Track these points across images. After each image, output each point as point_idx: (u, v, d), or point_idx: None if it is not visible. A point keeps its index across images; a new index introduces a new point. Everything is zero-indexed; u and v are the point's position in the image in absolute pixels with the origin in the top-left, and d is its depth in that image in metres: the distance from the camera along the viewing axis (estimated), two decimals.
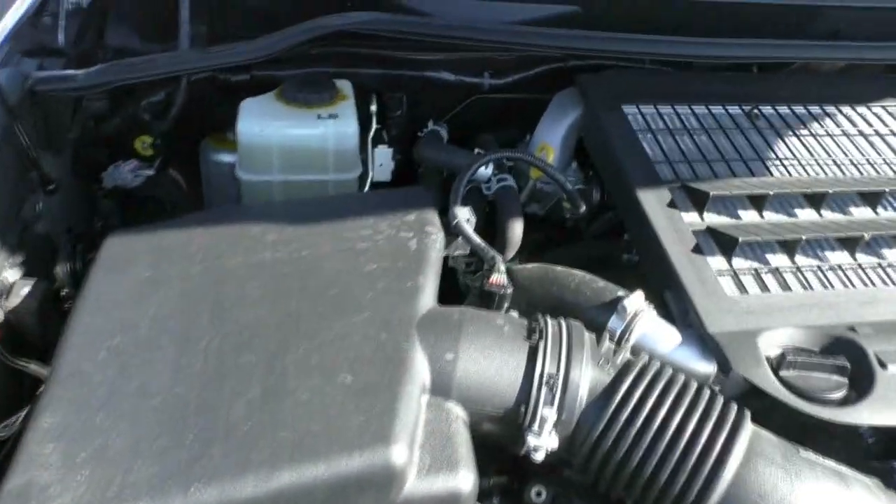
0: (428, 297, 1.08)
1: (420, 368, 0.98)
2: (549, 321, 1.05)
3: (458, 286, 1.44)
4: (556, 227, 1.66)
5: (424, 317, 1.05)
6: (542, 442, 0.97)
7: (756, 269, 1.21)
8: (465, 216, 1.25)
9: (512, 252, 1.41)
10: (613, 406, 0.97)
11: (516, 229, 1.38)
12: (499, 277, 1.14)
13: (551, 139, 1.53)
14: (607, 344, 1.05)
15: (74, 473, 0.87)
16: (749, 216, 1.32)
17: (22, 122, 1.36)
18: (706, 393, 0.99)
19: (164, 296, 1.10)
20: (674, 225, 1.27)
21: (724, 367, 1.07)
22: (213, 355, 1.00)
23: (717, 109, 1.56)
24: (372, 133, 1.60)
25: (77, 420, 0.93)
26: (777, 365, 1.06)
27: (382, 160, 1.61)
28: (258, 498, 0.86)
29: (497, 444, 1.04)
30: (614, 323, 1.14)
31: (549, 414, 0.96)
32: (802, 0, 1.65)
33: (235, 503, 0.85)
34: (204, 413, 0.93)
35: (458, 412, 0.99)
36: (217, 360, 1.00)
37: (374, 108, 1.62)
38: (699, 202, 1.31)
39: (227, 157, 1.65)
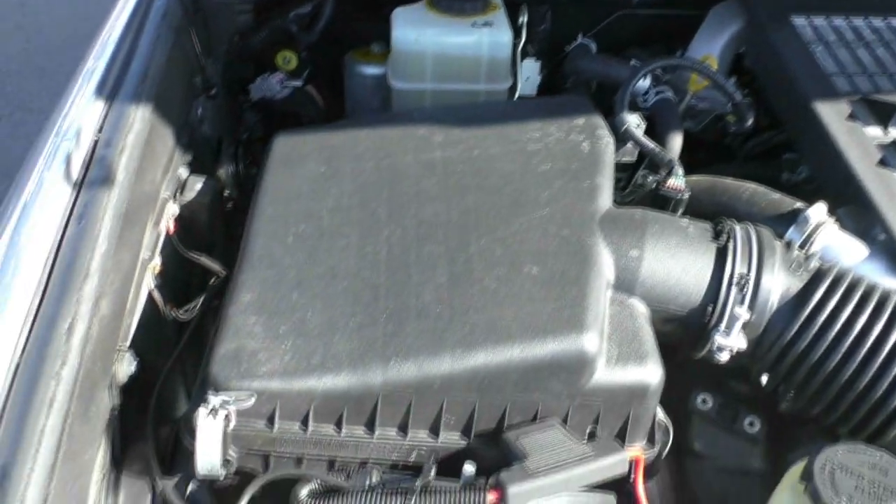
0: (606, 197, 1.07)
1: (605, 264, 0.98)
2: (736, 224, 1.02)
3: None
4: (705, 146, 1.60)
5: (605, 215, 1.03)
6: (730, 342, 0.95)
7: None
8: (634, 122, 1.21)
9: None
10: (809, 309, 0.93)
11: (676, 141, 1.34)
12: (677, 182, 1.11)
13: (712, 51, 1.46)
14: (797, 251, 1.01)
15: (278, 343, 0.91)
16: None
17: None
18: None
19: (341, 189, 1.12)
20: (856, 138, 1.20)
21: None
22: (396, 245, 1.02)
23: None
24: (520, 46, 1.56)
25: (273, 297, 0.97)
26: None
27: (529, 73, 1.58)
28: (454, 375, 0.88)
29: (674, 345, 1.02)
30: (793, 234, 1.09)
31: (740, 313, 0.94)
32: None
33: (432, 379, 0.88)
34: (394, 295, 0.95)
35: (641, 309, 0.98)
36: (401, 249, 1.01)
37: (523, 19, 1.58)
38: (883, 115, 1.23)
39: (371, 70, 1.65)
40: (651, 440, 0.95)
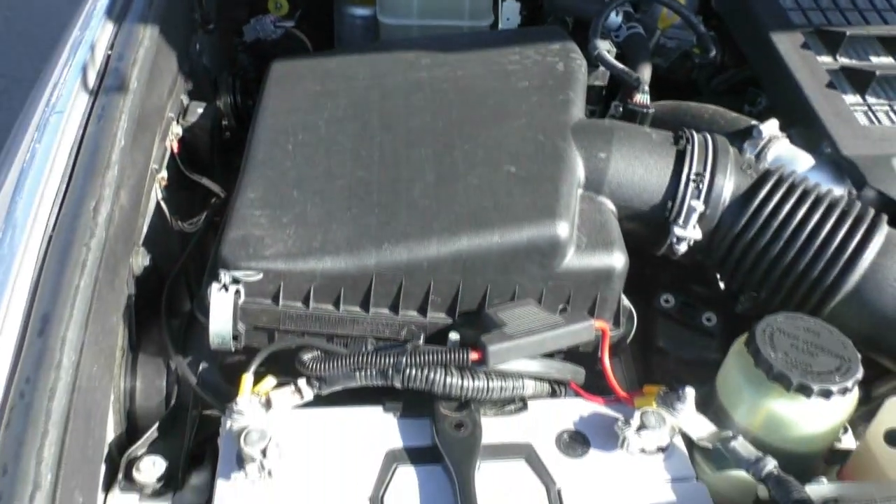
0: (578, 108, 1.17)
1: (576, 164, 1.08)
2: (695, 132, 1.13)
3: None
4: (673, 85, 1.70)
5: (577, 124, 1.14)
6: (687, 233, 1.06)
7: (890, 105, 1.26)
8: (605, 47, 1.32)
9: None
10: (757, 202, 1.04)
11: (646, 70, 1.44)
12: (642, 98, 1.22)
13: None
14: (749, 155, 1.12)
15: (282, 231, 1.01)
16: (882, 61, 1.35)
17: None
18: (845, 196, 1.06)
19: (336, 104, 1.22)
20: (808, 64, 1.31)
21: (859, 182, 1.13)
22: (387, 149, 1.12)
23: None
24: None
25: (276, 194, 1.06)
26: None
27: (510, 14, 1.67)
28: (440, 258, 0.98)
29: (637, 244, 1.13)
30: (748, 147, 1.20)
31: (696, 206, 1.04)
32: None
33: (420, 261, 0.98)
34: (386, 191, 1.05)
35: (608, 205, 1.09)
36: (392, 152, 1.11)
37: None
38: (833, 44, 1.35)
39: (360, 11, 1.74)
40: (616, 323, 1.06)
